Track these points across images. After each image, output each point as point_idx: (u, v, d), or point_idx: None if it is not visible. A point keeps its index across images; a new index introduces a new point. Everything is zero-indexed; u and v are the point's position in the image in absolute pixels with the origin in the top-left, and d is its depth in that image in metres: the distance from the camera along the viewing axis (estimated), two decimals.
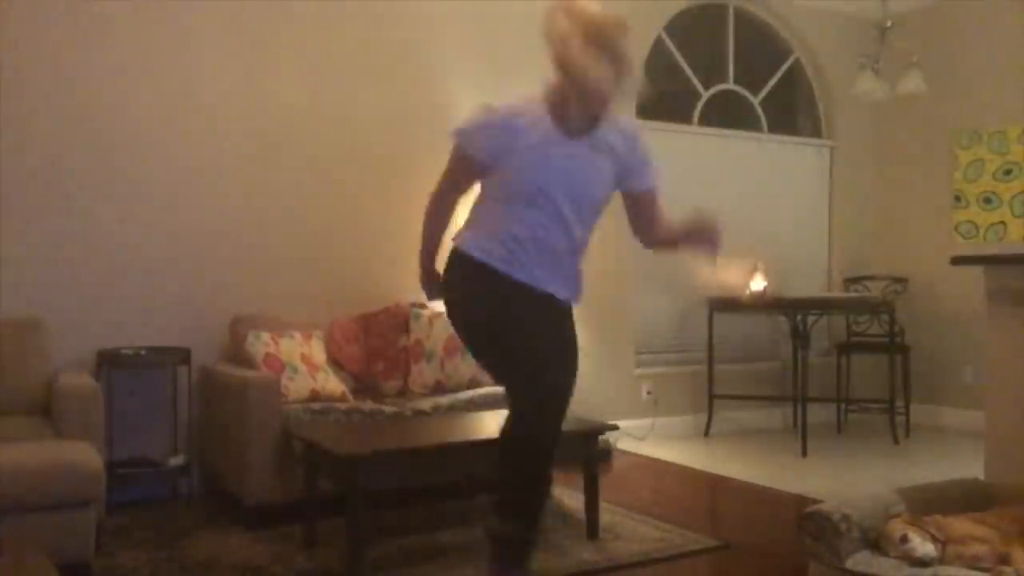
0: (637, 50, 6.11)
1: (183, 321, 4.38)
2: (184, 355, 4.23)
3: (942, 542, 2.36)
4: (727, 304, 5.90)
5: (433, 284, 2.79)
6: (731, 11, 6.33)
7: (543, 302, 2.59)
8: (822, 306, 5.84)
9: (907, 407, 6.00)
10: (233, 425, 3.90)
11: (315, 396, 4.07)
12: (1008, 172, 5.97)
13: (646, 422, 5.70)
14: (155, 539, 3.62)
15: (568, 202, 2.54)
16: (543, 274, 2.57)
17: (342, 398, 4.17)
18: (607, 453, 4.36)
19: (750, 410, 6.14)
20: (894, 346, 5.94)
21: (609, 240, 5.61)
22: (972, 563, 2.31)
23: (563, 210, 2.54)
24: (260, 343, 4.13)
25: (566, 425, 2.63)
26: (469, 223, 2.67)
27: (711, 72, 6.28)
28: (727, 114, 6.33)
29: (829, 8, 6.48)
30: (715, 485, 4.74)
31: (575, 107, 2.49)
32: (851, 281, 6.58)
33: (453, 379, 4.48)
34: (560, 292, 2.63)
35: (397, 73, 4.98)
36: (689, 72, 6.18)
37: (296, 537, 3.60)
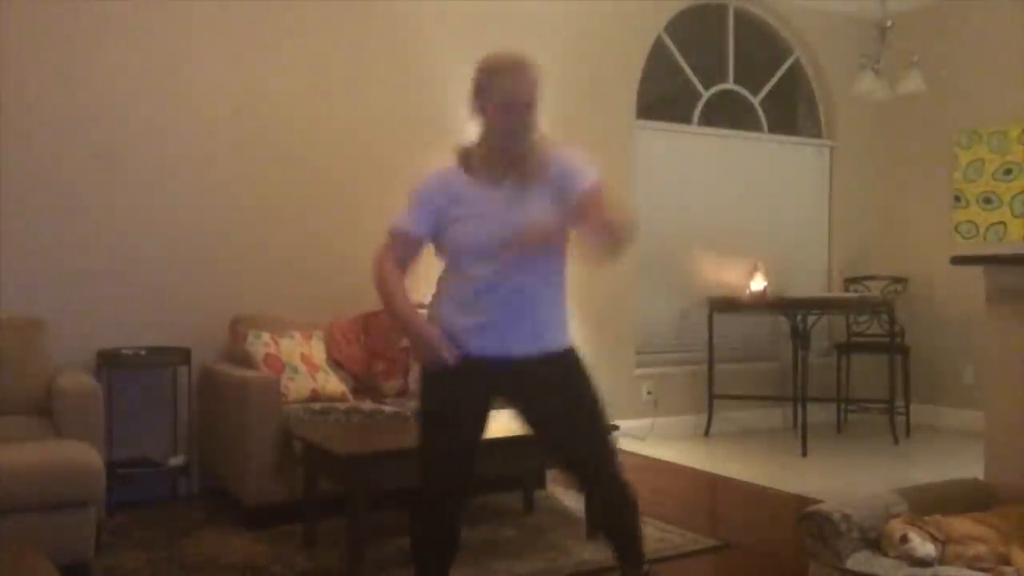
0: (637, 50, 6.13)
1: (183, 321, 4.38)
2: (184, 355, 4.23)
3: (942, 542, 2.36)
4: (727, 304, 5.91)
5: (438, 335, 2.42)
6: (731, 11, 6.33)
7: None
8: (822, 306, 5.83)
9: (907, 407, 6.00)
10: (233, 425, 3.90)
11: (315, 396, 4.07)
12: (1008, 172, 5.97)
13: (646, 422, 5.70)
14: (155, 539, 3.62)
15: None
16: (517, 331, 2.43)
17: (342, 398, 4.17)
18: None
19: (750, 410, 6.14)
20: (894, 346, 5.94)
21: None
22: (972, 563, 2.30)
23: (510, 259, 2.36)
24: (260, 343, 4.13)
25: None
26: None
27: (711, 72, 6.28)
28: (727, 114, 6.33)
29: (829, 8, 6.48)
30: (715, 485, 4.74)
31: (489, 155, 2.43)
32: (851, 281, 6.58)
33: None
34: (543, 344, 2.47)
35: (397, 74, 4.98)
36: (689, 72, 6.17)
37: (296, 537, 3.60)
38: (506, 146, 2.41)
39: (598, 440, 2.54)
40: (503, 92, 2.35)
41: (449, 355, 2.35)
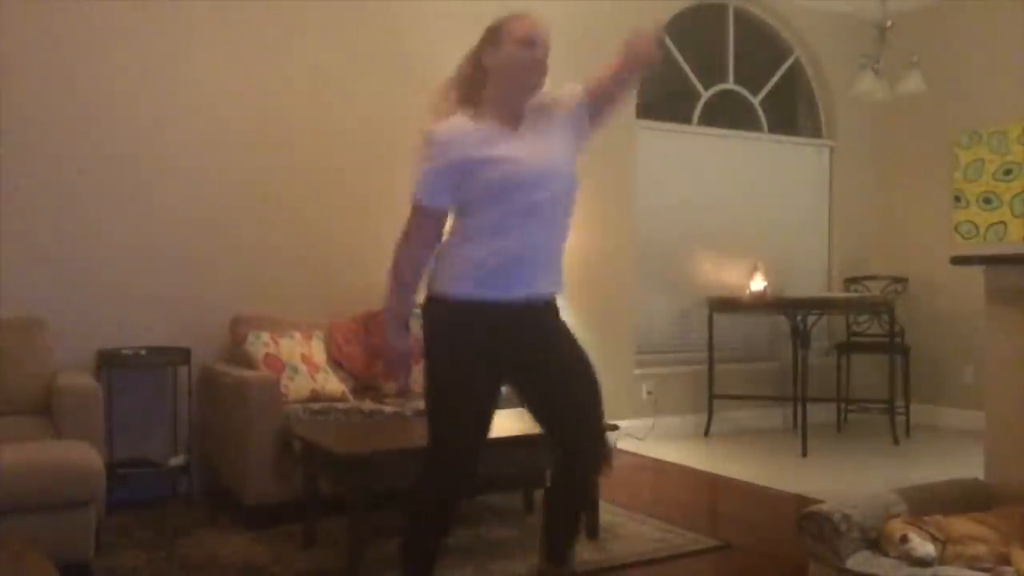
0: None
1: (183, 321, 4.38)
2: (184, 355, 4.23)
3: (942, 542, 2.36)
4: (727, 304, 5.91)
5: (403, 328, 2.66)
6: (731, 11, 6.33)
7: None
8: (822, 306, 5.83)
9: (907, 407, 6.00)
10: (233, 425, 3.90)
11: (315, 396, 4.07)
12: (1008, 172, 5.97)
13: (646, 422, 5.70)
14: (155, 539, 3.62)
15: (544, 191, 2.43)
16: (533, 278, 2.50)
17: (342, 398, 4.17)
18: (607, 453, 4.37)
19: (750, 410, 6.14)
20: (894, 346, 5.94)
21: (609, 240, 5.65)
22: (972, 563, 2.30)
23: (541, 201, 2.43)
24: (260, 343, 4.13)
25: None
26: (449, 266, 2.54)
27: (711, 72, 6.28)
28: (727, 114, 6.33)
29: (829, 8, 6.48)
30: (715, 485, 4.74)
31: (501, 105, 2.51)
32: (851, 281, 6.58)
33: None
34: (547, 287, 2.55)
35: (398, 73, 4.97)
36: (689, 72, 6.17)
37: (296, 537, 3.59)
38: (528, 82, 2.47)
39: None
40: (523, 28, 2.46)
41: (398, 380, 2.53)
